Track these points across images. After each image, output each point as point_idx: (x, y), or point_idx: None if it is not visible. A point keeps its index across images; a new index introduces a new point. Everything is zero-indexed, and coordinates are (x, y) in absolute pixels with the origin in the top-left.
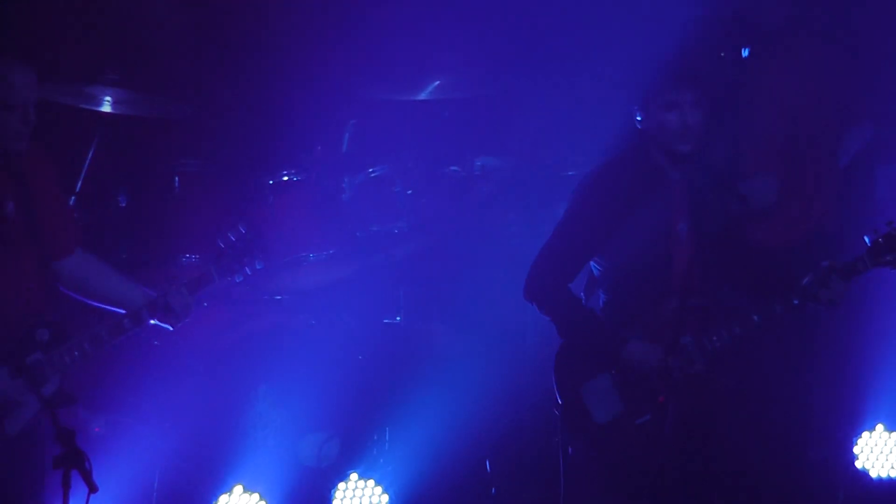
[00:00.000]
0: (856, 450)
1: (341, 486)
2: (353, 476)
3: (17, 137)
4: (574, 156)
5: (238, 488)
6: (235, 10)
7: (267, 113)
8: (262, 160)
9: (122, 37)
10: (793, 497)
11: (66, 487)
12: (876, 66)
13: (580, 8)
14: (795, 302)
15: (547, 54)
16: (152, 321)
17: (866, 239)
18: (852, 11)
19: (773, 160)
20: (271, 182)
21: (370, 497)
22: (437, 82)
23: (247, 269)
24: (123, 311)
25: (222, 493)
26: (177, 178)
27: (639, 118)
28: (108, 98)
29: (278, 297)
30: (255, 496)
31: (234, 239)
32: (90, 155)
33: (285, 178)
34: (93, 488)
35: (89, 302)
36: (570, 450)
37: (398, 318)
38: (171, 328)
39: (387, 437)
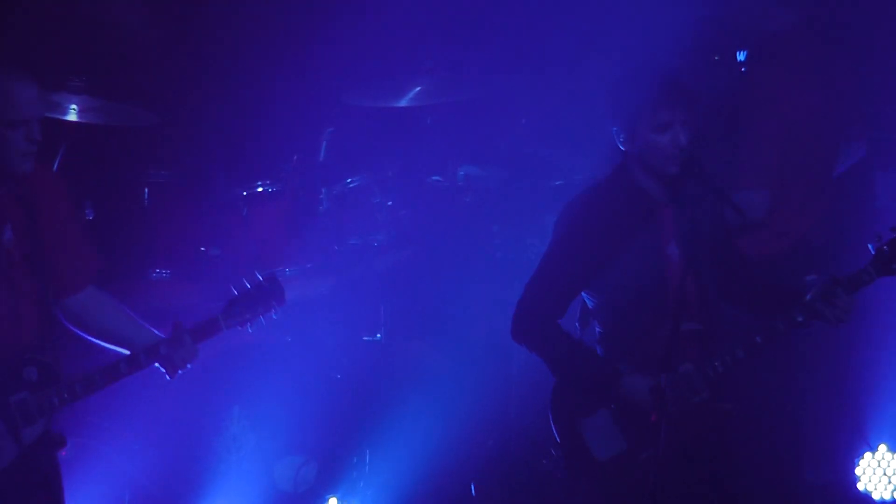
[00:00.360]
0: (857, 471)
1: None
2: (332, 501)
3: (20, 158)
4: (562, 165)
5: None
6: (207, 13)
7: (240, 121)
8: (235, 170)
9: (88, 42)
10: None
11: None
12: (876, 71)
13: (569, 12)
14: (800, 319)
15: (534, 59)
16: (155, 365)
17: (870, 247)
18: (853, 18)
19: (767, 171)
20: (245, 193)
21: None
22: (418, 88)
23: (261, 318)
24: (126, 353)
25: None
26: (146, 190)
27: (622, 139)
28: (74, 106)
29: None
30: None
31: (248, 286)
32: (55, 165)
33: (259, 189)
34: None
35: (92, 340)
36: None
37: (378, 336)
38: (167, 377)
39: (367, 460)
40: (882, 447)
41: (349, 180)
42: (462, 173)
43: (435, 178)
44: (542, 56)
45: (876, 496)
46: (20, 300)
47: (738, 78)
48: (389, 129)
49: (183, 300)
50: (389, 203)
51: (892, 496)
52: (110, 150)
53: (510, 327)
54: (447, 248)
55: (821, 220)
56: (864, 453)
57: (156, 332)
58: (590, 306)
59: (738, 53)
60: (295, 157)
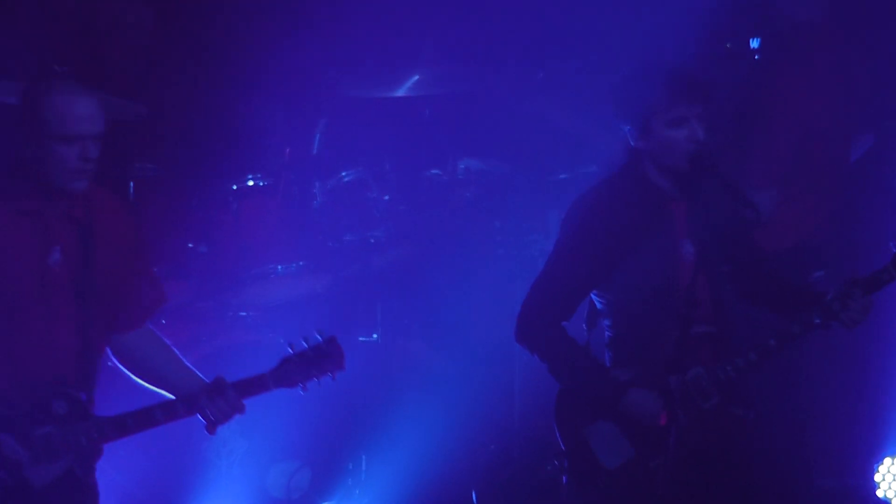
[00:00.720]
0: (877, 477)
1: None
2: None
3: (72, 176)
4: (566, 158)
5: None
6: None
7: (230, 112)
8: (225, 164)
9: (69, 29)
10: None
11: None
12: (892, 62)
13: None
14: (817, 321)
15: (538, 47)
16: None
17: (892, 245)
18: (872, 7)
19: (777, 168)
20: (235, 187)
21: None
22: (417, 77)
23: (315, 381)
24: (168, 395)
25: None
26: (132, 184)
27: (634, 136)
28: None
29: (243, 314)
30: None
31: (305, 345)
32: None
33: (250, 183)
34: None
35: (136, 378)
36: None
37: (375, 336)
38: (206, 431)
39: (363, 466)
40: None
41: (344, 174)
42: (462, 166)
43: (434, 171)
44: (546, 44)
45: None
46: (59, 327)
47: (751, 69)
48: (386, 120)
49: (170, 299)
50: (386, 198)
51: None
52: None
53: (514, 329)
54: (447, 244)
55: (832, 216)
56: (883, 458)
57: (203, 378)
58: (598, 307)
59: (751, 41)
60: (287, 150)
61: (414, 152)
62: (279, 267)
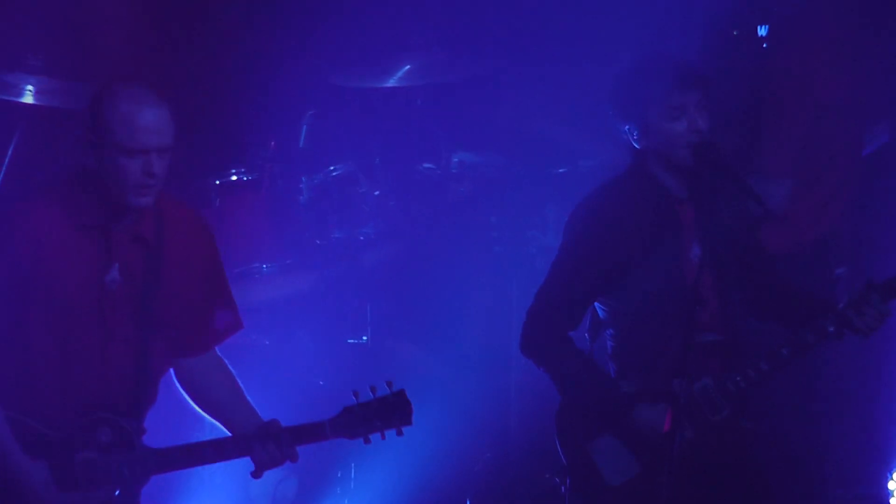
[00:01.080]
0: (891, 485)
1: None
2: None
3: (134, 191)
4: (564, 151)
5: None
6: None
7: (213, 103)
8: (206, 157)
9: (46, 17)
10: None
11: None
12: None
13: None
14: (831, 330)
15: (536, 35)
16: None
17: None
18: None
19: (790, 159)
20: (218, 182)
21: None
22: (408, 66)
23: (378, 435)
24: (223, 429)
25: None
26: None
27: (635, 135)
28: (30, 87)
29: None
30: None
31: (372, 395)
32: (9, 152)
33: (234, 178)
34: None
35: (193, 405)
36: None
37: (364, 338)
38: (252, 475)
39: (352, 475)
40: None
41: (332, 168)
42: (456, 160)
43: (426, 165)
44: (542, 33)
45: None
46: (113, 349)
47: (761, 57)
48: (376, 112)
49: None
50: (376, 193)
51: None
52: (70, 137)
53: (518, 340)
54: (440, 241)
55: (849, 210)
56: None
57: (259, 416)
58: (601, 316)
59: (759, 28)
60: (272, 143)
61: (405, 145)
62: (264, 265)
